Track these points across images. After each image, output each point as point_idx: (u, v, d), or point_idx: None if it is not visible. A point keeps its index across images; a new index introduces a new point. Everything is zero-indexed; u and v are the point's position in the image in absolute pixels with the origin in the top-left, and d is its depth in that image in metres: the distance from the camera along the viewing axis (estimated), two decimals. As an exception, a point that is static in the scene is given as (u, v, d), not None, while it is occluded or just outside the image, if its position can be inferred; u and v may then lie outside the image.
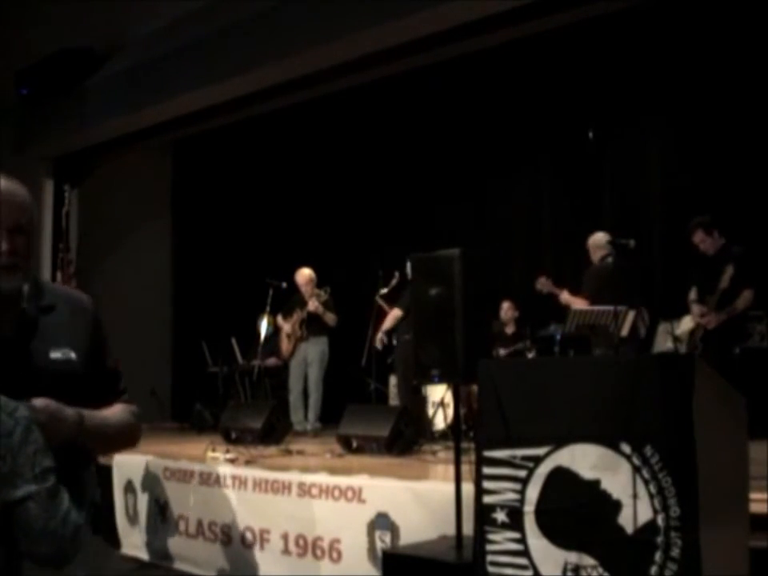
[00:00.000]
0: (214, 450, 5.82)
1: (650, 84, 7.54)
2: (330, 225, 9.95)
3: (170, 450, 6.13)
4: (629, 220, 7.64)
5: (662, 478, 2.48)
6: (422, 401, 7.07)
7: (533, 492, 2.73)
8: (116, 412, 2.08)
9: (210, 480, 5.15)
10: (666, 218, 7.74)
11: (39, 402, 1.80)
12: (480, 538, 2.87)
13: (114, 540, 5.48)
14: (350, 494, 4.40)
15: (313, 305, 7.78)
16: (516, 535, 2.76)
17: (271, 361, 8.59)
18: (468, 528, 3.37)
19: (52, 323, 2.00)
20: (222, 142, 10.15)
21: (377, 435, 5.83)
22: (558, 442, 2.69)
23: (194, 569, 5.13)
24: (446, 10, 6.29)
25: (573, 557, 2.63)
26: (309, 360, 7.93)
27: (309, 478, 4.66)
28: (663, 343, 6.56)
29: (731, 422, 2.80)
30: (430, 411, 6.88)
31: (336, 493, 4.46)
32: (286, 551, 4.63)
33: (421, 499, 4.16)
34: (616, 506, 2.56)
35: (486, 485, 2.85)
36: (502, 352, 7.75)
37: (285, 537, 4.64)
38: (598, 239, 6.42)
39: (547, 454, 2.71)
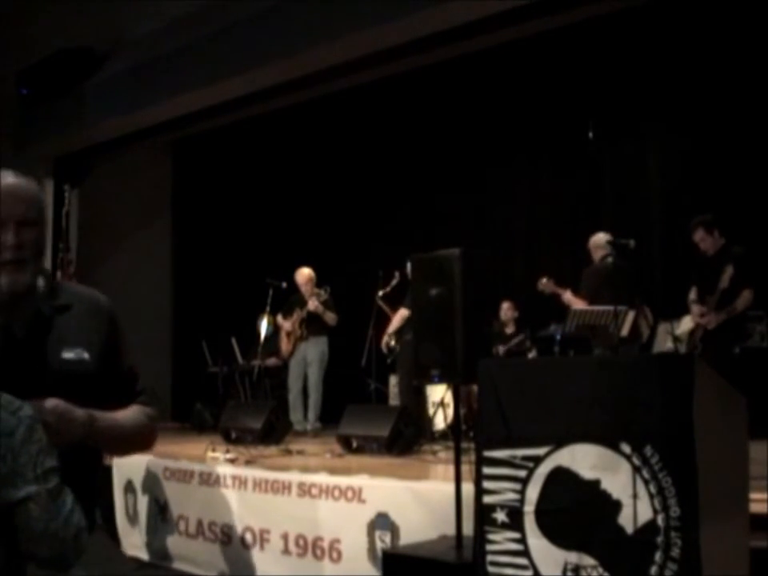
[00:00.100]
0: (214, 450, 5.82)
1: (650, 84, 7.54)
2: (330, 224, 9.95)
3: (170, 449, 6.12)
4: (629, 220, 7.63)
5: (662, 478, 2.48)
6: (423, 401, 7.07)
7: (533, 492, 2.73)
8: (129, 414, 2.04)
9: (210, 480, 5.15)
10: (665, 218, 7.75)
11: (49, 402, 1.78)
12: (480, 538, 2.87)
13: (113, 540, 5.48)
14: (349, 494, 4.40)
15: (313, 304, 7.77)
16: (516, 535, 2.76)
17: (271, 361, 8.59)
18: (468, 528, 3.37)
19: (66, 323, 1.97)
20: (221, 142, 10.16)
21: (377, 435, 5.83)
22: (558, 442, 2.69)
23: (194, 569, 5.12)
24: (446, 10, 6.28)
25: (573, 557, 2.63)
26: (309, 360, 7.93)
27: (309, 478, 4.65)
28: (663, 343, 6.57)
29: (731, 422, 2.80)
30: (430, 411, 6.88)
31: (336, 493, 4.46)
32: (286, 551, 4.63)
33: (421, 499, 4.16)
34: (616, 505, 2.56)
35: (486, 485, 2.85)
36: (501, 349, 7.76)
37: (285, 537, 4.64)
38: (599, 239, 6.42)
39: (547, 454, 2.71)
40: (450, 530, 3.63)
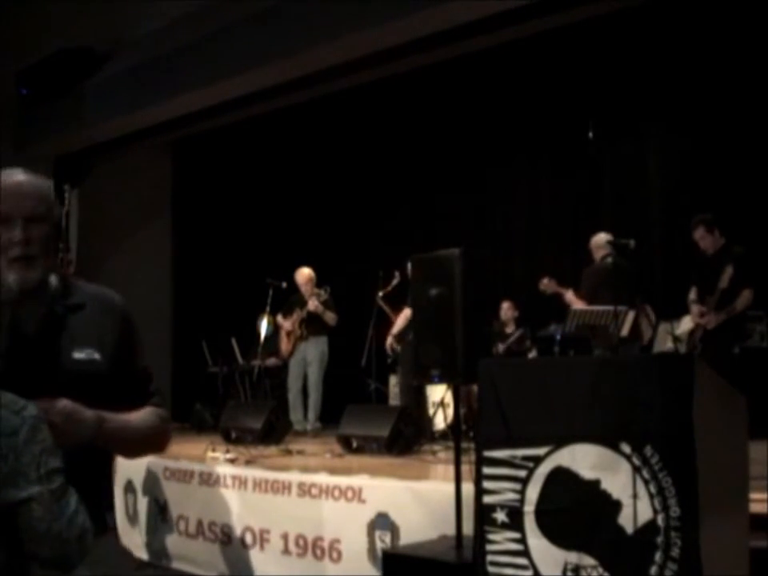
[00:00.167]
0: (214, 450, 5.82)
1: (650, 84, 7.54)
2: (330, 224, 9.95)
3: (170, 449, 6.07)
4: (629, 220, 7.64)
5: (662, 478, 2.48)
6: (423, 401, 7.07)
7: (533, 492, 2.73)
8: (142, 415, 2.01)
9: (210, 480, 5.15)
10: (665, 217, 7.75)
11: (57, 402, 1.76)
12: (480, 538, 2.87)
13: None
14: (350, 494, 4.40)
15: (313, 304, 7.77)
16: (516, 535, 2.76)
17: (271, 361, 8.59)
18: (468, 528, 3.37)
19: (79, 322, 1.95)
20: (222, 142, 10.15)
21: (377, 435, 5.83)
22: (558, 442, 2.69)
23: (194, 569, 5.12)
24: (446, 10, 6.28)
25: (573, 557, 2.63)
26: (308, 360, 7.93)
27: (309, 478, 4.65)
28: (663, 343, 6.57)
29: (731, 422, 2.80)
30: (430, 411, 6.88)
31: (336, 493, 4.46)
32: (286, 551, 4.63)
33: (421, 499, 4.16)
34: (616, 505, 2.56)
35: (486, 485, 2.85)
36: (501, 347, 7.76)
37: (285, 537, 4.64)
38: (599, 239, 6.43)
39: (547, 454, 2.71)
40: (450, 530, 3.63)
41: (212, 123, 9.06)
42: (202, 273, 11.02)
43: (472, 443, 3.33)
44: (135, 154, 10.25)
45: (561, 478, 2.68)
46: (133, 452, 2.23)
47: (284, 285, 8.13)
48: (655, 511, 2.49)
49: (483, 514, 2.86)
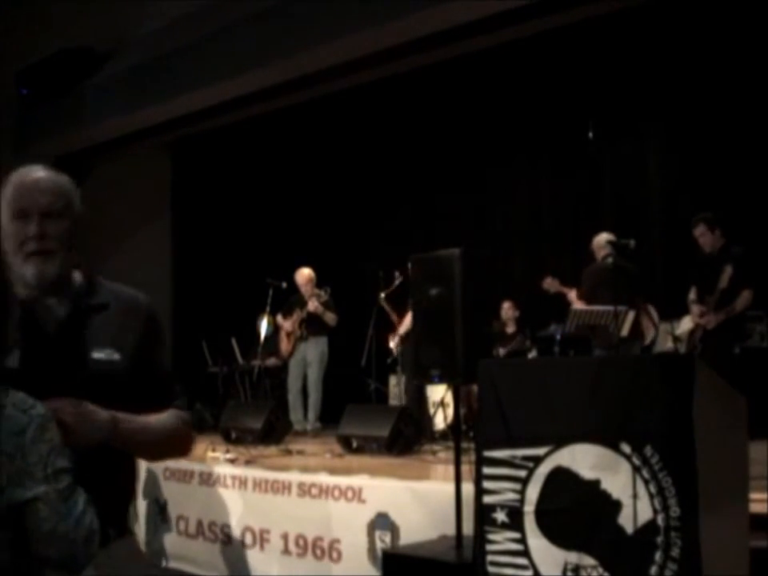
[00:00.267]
0: (214, 450, 5.83)
1: (650, 84, 7.54)
2: (330, 225, 9.95)
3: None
4: (629, 220, 7.64)
5: (662, 478, 2.48)
6: (423, 401, 7.08)
7: (533, 492, 2.74)
8: (163, 418, 1.95)
9: (210, 480, 5.15)
10: (665, 218, 7.75)
11: (71, 402, 1.72)
12: (480, 538, 2.87)
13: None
14: (349, 493, 4.40)
15: (313, 305, 7.77)
16: (516, 535, 2.76)
17: (271, 361, 8.59)
18: (468, 528, 3.37)
19: (101, 322, 1.92)
20: (221, 142, 10.15)
21: (377, 435, 5.83)
22: (558, 442, 2.69)
23: (194, 569, 5.13)
24: (446, 10, 6.28)
25: (573, 557, 2.63)
26: (308, 360, 7.92)
27: (309, 478, 4.65)
28: (663, 343, 6.57)
29: (731, 422, 2.80)
30: (431, 411, 6.88)
31: (336, 493, 4.46)
32: (286, 551, 4.63)
33: (421, 499, 4.16)
34: (616, 505, 2.56)
35: (486, 485, 2.85)
36: (502, 351, 7.75)
37: (285, 537, 4.64)
38: (600, 239, 6.44)
39: (547, 454, 2.71)
40: (450, 530, 3.63)
41: (212, 123, 9.05)
42: (202, 273, 11.01)
43: (472, 443, 3.33)
44: (135, 154, 10.25)
45: (561, 477, 2.68)
46: (153, 455, 2.17)
47: (284, 285, 8.13)
48: (655, 511, 2.49)
49: (483, 513, 2.86)
